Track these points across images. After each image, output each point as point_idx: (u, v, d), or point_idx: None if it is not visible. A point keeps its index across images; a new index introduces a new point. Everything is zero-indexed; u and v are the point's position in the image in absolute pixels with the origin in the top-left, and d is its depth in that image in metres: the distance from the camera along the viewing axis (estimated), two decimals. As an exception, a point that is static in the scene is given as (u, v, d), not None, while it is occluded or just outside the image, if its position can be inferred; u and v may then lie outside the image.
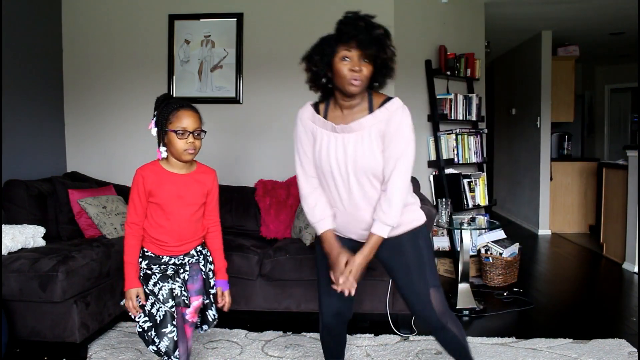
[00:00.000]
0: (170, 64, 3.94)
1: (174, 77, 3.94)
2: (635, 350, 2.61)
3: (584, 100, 7.87)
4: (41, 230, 2.87)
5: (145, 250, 1.87)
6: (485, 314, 3.22)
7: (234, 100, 3.92)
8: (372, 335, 2.83)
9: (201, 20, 3.92)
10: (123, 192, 3.62)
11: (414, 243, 1.81)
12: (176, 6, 3.94)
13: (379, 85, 1.72)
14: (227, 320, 3.00)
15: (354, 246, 1.79)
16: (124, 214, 3.33)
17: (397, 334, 2.82)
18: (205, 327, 1.99)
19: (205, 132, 1.98)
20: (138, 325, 1.86)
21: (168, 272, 1.86)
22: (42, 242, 2.86)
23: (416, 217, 1.83)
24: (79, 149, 4.04)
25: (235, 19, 3.88)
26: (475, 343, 2.70)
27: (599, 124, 8.12)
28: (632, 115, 7.76)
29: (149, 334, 1.84)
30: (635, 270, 4.20)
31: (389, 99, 1.71)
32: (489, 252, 3.86)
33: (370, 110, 1.70)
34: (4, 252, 2.59)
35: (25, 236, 2.74)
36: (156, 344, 1.82)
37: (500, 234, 3.99)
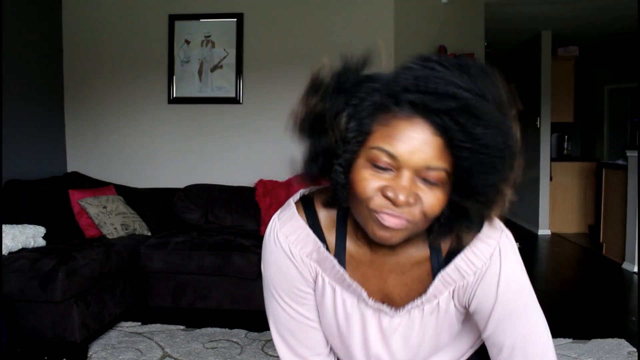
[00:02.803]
0: (171, 64, 3.94)
1: (174, 77, 3.95)
2: (635, 350, 2.61)
3: (584, 101, 7.87)
4: (41, 230, 2.87)
5: None
6: (485, 314, 3.22)
7: (234, 100, 3.92)
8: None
9: (201, 20, 3.92)
10: (123, 192, 3.62)
11: None
12: (176, 6, 3.94)
13: (454, 237, 0.79)
14: (227, 320, 3.01)
15: None
16: (124, 214, 3.34)
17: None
18: None
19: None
20: None
21: None
22: (42, 242, 2.86)
23: None
24: (79, 149, 4.04)
25: (235, 19, 3.88)
26: (475, 343, 2.70)
27: (598, 124, 8.12)
28: (631, 116, 7.76)
29: None
30: (635, 270, 4.20)
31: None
32: (488, 252, 3.86)
33: (435, 251, 0.83)
34: (5, 252, 2.59)
35: (26, 236, 2.74)
36: None
37: (500, 234, 3.98)
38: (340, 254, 0.83)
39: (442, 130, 0.65)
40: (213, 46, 3.92)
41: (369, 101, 0.69)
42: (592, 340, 2.73)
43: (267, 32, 3.89)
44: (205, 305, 3.14)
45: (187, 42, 3.93)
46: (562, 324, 3.07)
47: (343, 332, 0.88)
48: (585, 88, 7.99)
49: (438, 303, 0.83)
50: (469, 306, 0.83)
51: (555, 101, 6.18)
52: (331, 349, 0.95)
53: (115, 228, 3.20)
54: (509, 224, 4.25)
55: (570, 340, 2.73)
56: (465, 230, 0.75)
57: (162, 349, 2.63)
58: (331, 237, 0.83)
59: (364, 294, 0.83)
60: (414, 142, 0.66)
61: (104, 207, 3.26)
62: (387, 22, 3.80)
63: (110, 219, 3.22)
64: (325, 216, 0.84)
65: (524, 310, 0.81)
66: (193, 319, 3.03)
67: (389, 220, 0.70)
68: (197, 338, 2.77)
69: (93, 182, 3.71)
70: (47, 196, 3.24)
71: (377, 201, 0.70)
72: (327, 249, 0.82)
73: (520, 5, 4.95)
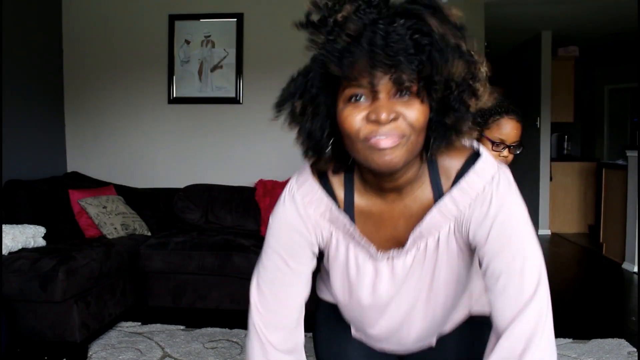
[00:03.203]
0: (171, 64, 3.94)
1: (174, 77, 3.95)
2: (635, 350, 2.61)
3: (584, 101, 7.87)
4: (41, 230, 2.87)
5: None
6: (485, 314, 3.22)
7: (234, 100, 3.92)
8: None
9: (201, 20, 3.92)
10: (123, 192, 3.62)
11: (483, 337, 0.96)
12: (176, 6, 3.94)
13: (444, 147, 0.83)
14: (227, 320, 3.01)
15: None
16: (124, 214, 3.34)
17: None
18: None
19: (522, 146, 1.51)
20: None
21: None
22: (42, 242, 2.86)
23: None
24: (79, 149, 4.04)
25: (235, 19, 3.88)
26: (475, 343, 2.70)
27: (598, 124, 8.12)
28: (632, 115, 7.76)
29: None
30: (635, 270, 4.20)
31: (471, 159, 0.86)
32: (488, 252, 3.86)
33: (437, 191, 0.87)
34: (5, 252, 2.59)
35: (26, 236, 2.74)
36: None
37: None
38: (349, 210, 0.89)
39: (394, 66, 0.70)
40: (213, 46, 3.92)
41: (318, 62, 0.79)
42: (592, 340, 2.73)
43: (267, 32, 3.89)
44: (205, 305, 3.14)
45: (187, 42, 3.93)
46: (562, 324, 3.06)
47: (353, 283, 0.95)
48: (585, 88, 7.99)
49: (439, 238, 0.88)
50: (468, 236, 0.87)
51: (555, 101, 6.18)
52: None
53: (115, 228, 3.20)
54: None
55: (570, 340, 2.73)
56: (453, 140, 0.81)
57: (162, 349, 2.63)
58: (341, 196, 0.90)
59: (372, 250, 0.90)
60: (368, 73, 0.72)
61: (104, 207, 3.26)
62: (387, 22, 3.79)
63: (110, 219, 3.22)
64: (335, 179, 0.90)
65: (519, 238, 0.84)
66: (193, 319, 3.03)
67: (383, 143, 0.75)
68: (197, 338, 2.77)
69: (93, 182, 3.71)
70: (47, 196, 3.24)
71: (366, 129, 0.76)
72: (338, 207, 0.89)
73: (520, 5, 4.95)
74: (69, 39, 4.00)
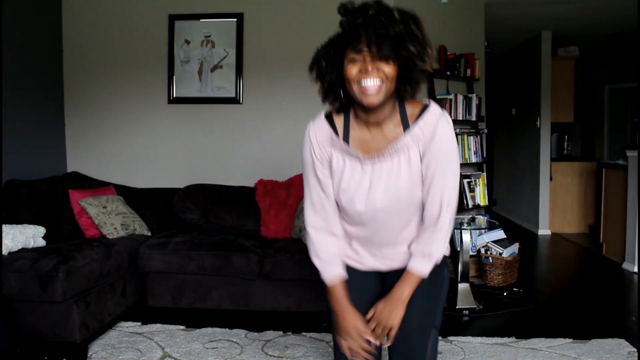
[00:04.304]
0: (171, 64, 3.95)
1: (174, 77, 3.95)
2: (635, 350, 2.61)
3: (584, 101, 7.87)
4: (41, 230, 2.87)
5: None
6: (485, 314, 3.22)
7: (234, 100, 3.92)
8: (372, 335, 2.83)
9: (201, 20, 3.92)
10: (123, 192, 3.62)
11: (437, 277, 1.45)
12: (176, 6, 3.94)
13: (410, 92, 1.31)
14: (227, 320, 3.01)
15: (376, 280, 1.51)
16: (124, 214, 3.34)
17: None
18: None
19: None
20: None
21: None
22: (42, 242, 2.86)
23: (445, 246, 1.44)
24: (79, 149, 4.04)
25: (235, 19, 3.88)
26: (475, 343, 2.70)
27: (598, 124, 8.12)
28: (632, 115, 7.76)
29: None
30: (635, 270, 4.20)
31: (425, 107, 1.34)
32: (488, 252, 3.86)
33: (405, 125, 1.34)
34: (5, 252, 2.59)
35: (26, 236, 2.75)
36: None
37: (500, 234, 3.99)
38: (346, 138, 1.39)
39: (376, 45, 1.20)
40: (213, 46, 3.92)
41: (337, 40, 1.29)
42: (592, 340, 2.73)
43: (267, 32, 3.89)
44: (205, 305, 3.14)
45: (187, 42, 3.93)
46: (562, 324, 3.07)
47: (349, 185, 1.38)
48: (585, 88, 7.99)
49: (409, 155, 1.33)
50: (424, 158, 1.33)
51: (555, 101, 6.17)
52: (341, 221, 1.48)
53: (115, 228, 3.20)
54: (508, 223, 4.26)
55: (570, 340, 2.73)
56: (410, 87, 1.30)
57: (162, 349, 2.63)
58: (340, 129, 1.39)
59: (360, 155, 1.36)
60: (365, 47, 1.22)
61: (104, 207, 3.26)
62: (387, 22, 3.79)
63: (110, 219, 3.22)
64: (338, 119, 1.40)
65: (450, 161, 1.34)
66: (193, 319, 3.03)
67: (370, 88, 1.24)
68: (197, 338, 2.77)
69: (93, 182, 3.72)
70: (47, 196, 3.24)
71: (358, 76, 1.25)
72: (338, 137, 1.38)
73: (520, 5, 4.95)
74: (69, 39, 4.00)
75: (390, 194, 1.36)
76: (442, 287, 1.50)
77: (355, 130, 1.38)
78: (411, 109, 1.35)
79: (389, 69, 1.24)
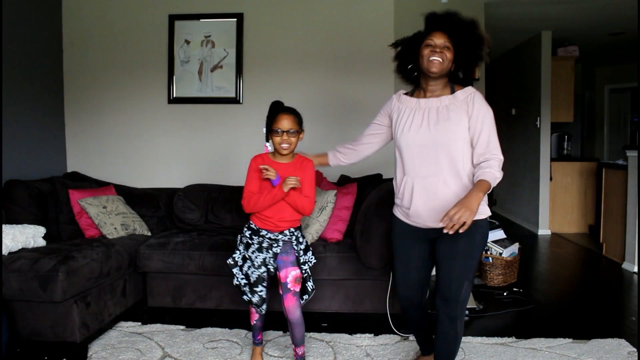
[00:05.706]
0: (171, 64, 3.95)
1: (174, 77, 3.95)
2: (635, 350, 2.61)
3: (584, 101, 7.87)
4: (41, 230, 2.87)
5: (251, 223, 2.37)
6: (485, 314, 3.22)
7: (234, 100, 3.92)
8: (372, 335, 2.83)
9: (201, 20, 3.92)
10: (123, 192, 3.62)
11: (471, 236, 1.89)
12: (176, 6, 3.94)
13: (463, 76, 1.97)
14: (227, 320, 3.01)
15: (427, 237, 2.03)
16: (124, 214, 3.34)
17: (397, 333, 2.82)
18: (305, 297, 2.38)
19: (301, 131, 2.30)
20: (235, 279, 2.30)
21: (264, 245, 2.28)
22: (42, 242, 2.86)
23: (482, 210, 1.93)
24: (79, 149, 4.05)
25: (235, 19, 3.88)
26: (475, 343, 2.70)
27: (598, 124, 8.12)
28: (631, 115, 7.76)
29: (244, 289, 2.28)
30: (635, 270, 4.20)
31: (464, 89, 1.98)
32: (488, 252, 3.86)
33: (452, 92, 1.97)
34: (5, 252, 2.59)
35: (26, 236, 2.75)
36: (249, 297, 2.27)
37: (500, 234, 3.99)
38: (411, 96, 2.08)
39: (447, 32, 1.93)
40: (213, 46, 3.92)
41: (420, 33, 2.00)
42: (592, 340, 2.73)
43: (267, 32, 3.89)
44: (205, 305, 3.14)
45: (187, 42, 3.93)
46: (562, 323, 3.07)
47: (405, 127, 2.00)
48: (585, 88, 8.00)
49: (450, 107, 1.93)
50: (469, 117, 1.93)
51: (555, 101, 6.18)
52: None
53: (115, 228, 3.20)
54: (508, 223, 4.26)
55: (570, 340, 2.73)
56: (466, 70, 1.98)
57: (162, 349, 2.63)
58: (409, 93, 2.10)
59: (421, 102, 2.00)
60: (438, 35, 1.93)
61: (104, 207, 3.26)
62: (387, 22, 3.80)
63: (110, 219, 3.22)
64: (408, 88, 2.12)
65: (490, 117, 1.94)
66: (193, 319, 3.04)
67: (434, 61, 1.90)
68: (197, 338, 2.77)
69: (93, 182, 3.71)
70: (47, 196, 3.24)
71: (428, 54, 1.91)
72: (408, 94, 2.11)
73: (520, 5, 4.95)
74: (69, 39, 4.00)
75: (435, 128, 1.94)
76: (479, 247, 1.95)
77: (417, 95, 2.06)
78: (458, 88, 1.97)
79: (448, 53, 1.91)
